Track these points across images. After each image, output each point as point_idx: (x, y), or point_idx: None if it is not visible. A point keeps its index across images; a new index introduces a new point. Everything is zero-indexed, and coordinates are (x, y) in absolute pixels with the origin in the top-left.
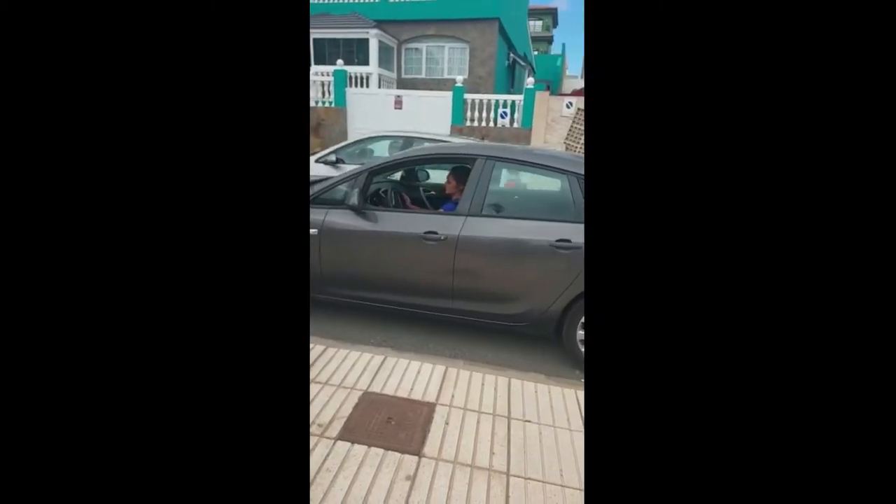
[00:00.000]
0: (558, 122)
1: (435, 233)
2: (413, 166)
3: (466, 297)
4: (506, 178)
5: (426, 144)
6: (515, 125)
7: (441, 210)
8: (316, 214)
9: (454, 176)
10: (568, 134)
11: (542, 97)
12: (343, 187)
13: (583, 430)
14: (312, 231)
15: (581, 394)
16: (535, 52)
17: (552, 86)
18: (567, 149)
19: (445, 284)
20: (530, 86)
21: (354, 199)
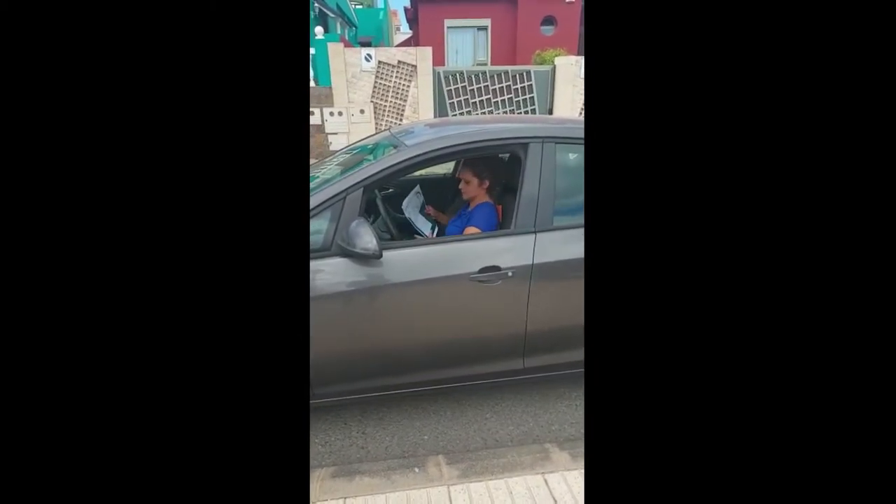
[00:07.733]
0: (359, 78)
1: (496, 268)
2: (432, 164)
3: (544, 350)
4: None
5: (445, 132)
6: (311, 84)
7: (466, 221)
8: None
9: (473, 170)
10: (374, 91)
11: (335, 50)
12: (320, 222)
13: None
14: None
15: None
16: (359, 6)
17: (374, 42)
18: (375, 107)
19: (514, 338)
20: (320, 36)
21: (363, 240)
